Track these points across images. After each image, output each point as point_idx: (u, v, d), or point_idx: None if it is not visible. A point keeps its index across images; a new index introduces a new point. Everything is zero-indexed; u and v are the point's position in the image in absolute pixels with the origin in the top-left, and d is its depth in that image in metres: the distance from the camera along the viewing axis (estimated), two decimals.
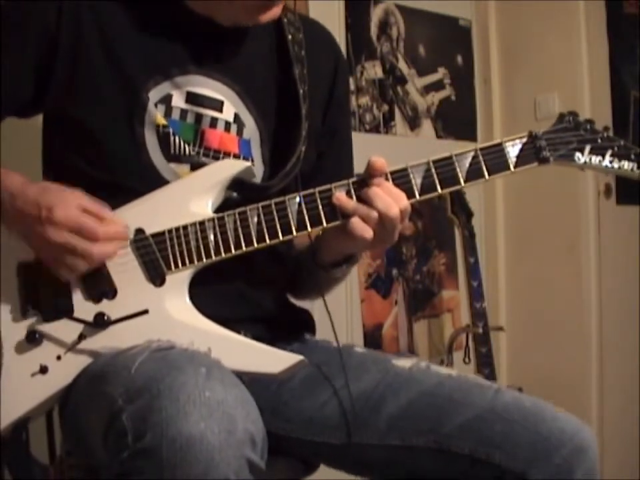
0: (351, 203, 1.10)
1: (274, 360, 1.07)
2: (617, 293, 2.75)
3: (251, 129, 1.22)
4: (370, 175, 1.11)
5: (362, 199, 1.10)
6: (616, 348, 2.74)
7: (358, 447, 1.16)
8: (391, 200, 1.09)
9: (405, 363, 1.21)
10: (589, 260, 2.71)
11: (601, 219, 2.73)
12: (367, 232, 1.09)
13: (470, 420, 1.10)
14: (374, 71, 2.56)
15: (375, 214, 1.09)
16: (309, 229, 1.11)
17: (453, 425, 1.11)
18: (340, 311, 2.39)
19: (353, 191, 1.11)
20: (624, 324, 2.75)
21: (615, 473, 2.46)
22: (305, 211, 1.11)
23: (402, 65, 2.66)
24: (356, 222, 1.09)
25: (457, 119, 2.83)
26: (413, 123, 2.68)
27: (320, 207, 1.11)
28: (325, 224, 1.11)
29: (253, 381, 1.05)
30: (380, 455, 1.16)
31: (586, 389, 2.71)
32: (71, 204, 1.03)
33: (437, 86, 2.77)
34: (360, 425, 1.16)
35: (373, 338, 2.51)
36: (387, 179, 1.11)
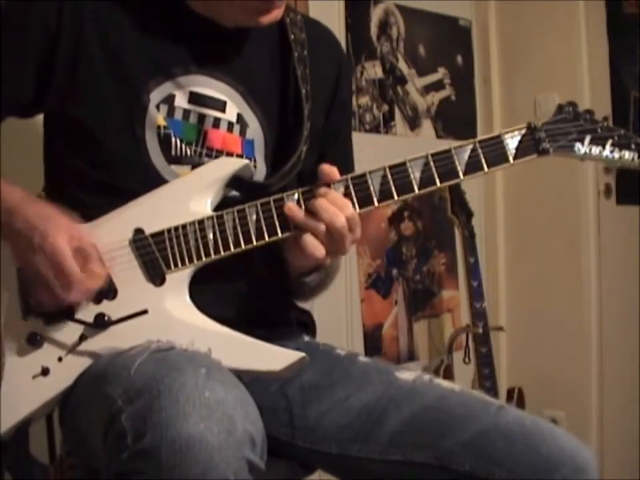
0: (300, 214, 1.09)
1: (275, 357, 1.07)
2: (617, 293, 2.74)
3: (255, 129, 1.21)
4: (322, 182, 1.10)
5: (309, 211, 1.09)
6: (616, 348, 2.73)
7: (358, 459, 1.15)
8: (335, 209, 1.08)
9: (408, 375, 1.20)
10: (589, 260, 2.71)
11: (601, 218, 2.73)
12: (319, 250, 1.08)
13: (472, 436, 1.09)
14: (374, 70, 2.56)
15: (322, 227, 1.08)
16: None
17: (454, 441, 1.10)
18: (340, 311, 2.39)
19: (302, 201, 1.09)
20: (624, 324, 2.75)
21: (615, 473, 2.47)
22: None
23: (402, 65, 2.65)
24: (308, 239, 1.08)
25: (456, 119, 2.83)
26: (413, 123, 2.68)
27: None
28: None
29: (253, 381, 1.05)
30: (380, 469, 1.15)
31: (586, 389, 2.71)
32: (63, 237, 1.02)
33: (437, 86, 2.77)
34: (362, 438, 1.15)
35: (372, 338, 2.51)
36: (384, 175, 1.10)
